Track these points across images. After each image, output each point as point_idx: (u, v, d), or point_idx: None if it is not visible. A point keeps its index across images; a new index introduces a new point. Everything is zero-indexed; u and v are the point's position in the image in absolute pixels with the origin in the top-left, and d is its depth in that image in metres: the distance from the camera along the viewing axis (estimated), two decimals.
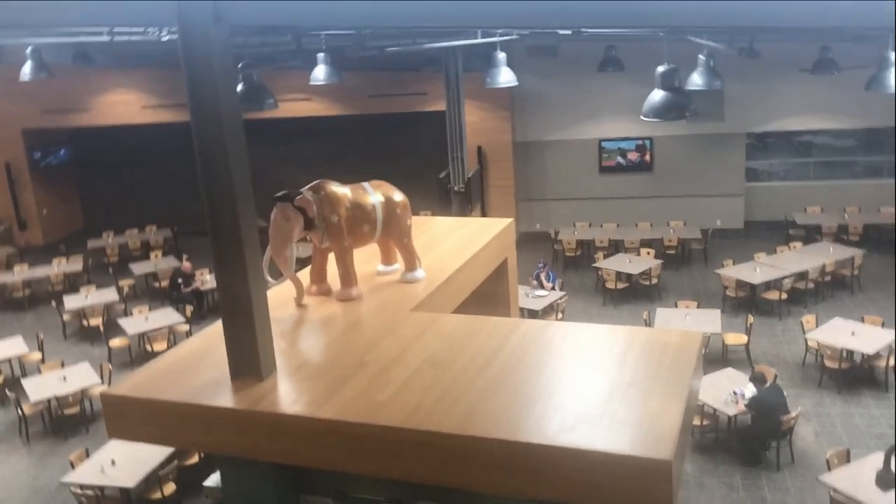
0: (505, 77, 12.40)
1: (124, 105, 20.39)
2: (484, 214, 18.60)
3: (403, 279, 7.01)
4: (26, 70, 14.90)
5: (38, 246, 21.27)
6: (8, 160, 20.92)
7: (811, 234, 17.91)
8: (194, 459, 10.17)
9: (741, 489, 9.90)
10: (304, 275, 6.96)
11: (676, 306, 14.08)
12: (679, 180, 19.42)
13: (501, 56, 12.25)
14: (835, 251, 15.97)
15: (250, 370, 5.24)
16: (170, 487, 9.71)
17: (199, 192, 4.99)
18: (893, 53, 10.81)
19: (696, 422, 10.56)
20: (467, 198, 17.26)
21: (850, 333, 12.07)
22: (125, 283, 17.42)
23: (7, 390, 12.46)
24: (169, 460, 9.74)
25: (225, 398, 5.10)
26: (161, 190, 21.41)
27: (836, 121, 18.85)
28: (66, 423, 12.14)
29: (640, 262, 16.40)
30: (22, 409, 11.90)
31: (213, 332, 5.88)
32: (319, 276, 6.83)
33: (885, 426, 10.88)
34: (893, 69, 10.96)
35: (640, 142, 19.44)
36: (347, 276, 6.65)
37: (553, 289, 15.03)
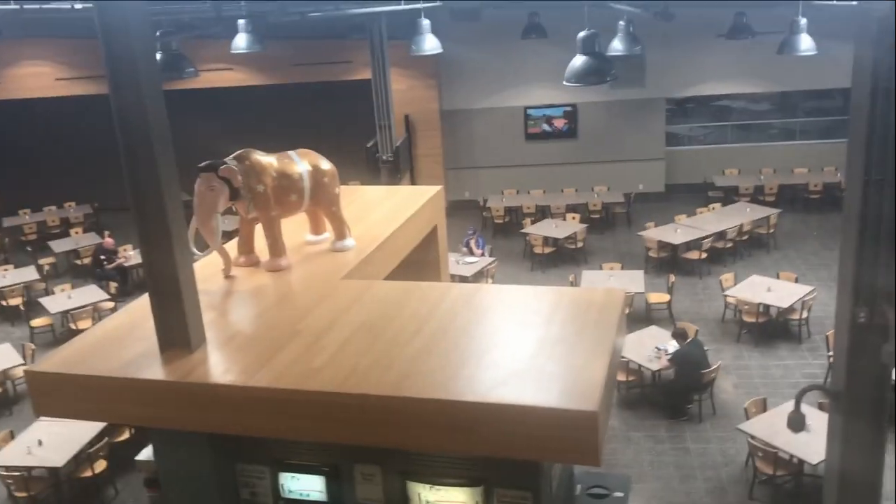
0: (430, 44, 12.38)
1: (37, 77, 19.62)
2: (413, 183, 18.61)
3: (333, 248, 7.03)
4: None
5: None
6: None
7: (729, 196, 18.51)
8: (125, 435, 10.04)
9: (666, 441, 10.30)
10: (232, 246, 6.91)
11: (601, 268, 14.43)
12: (602, 146, 19.79)
13: (426, 23, 12.22)
14: (752, 211, 16.56)
15: (180, 342, 5.21)
16: (101, 465, 9.58)
17: (119, 167, 4.91)
18: (803, 19, 11.21)
19: (622, 378, 10.91)
20: (396, 167, 17.25)
21: (766, 289, 12.60)
22: (45, 261, 16.89)
23: None
24: (99, 437, 9.59)
25: (155, 370, 5.07)
26: (80, 165, 20.73)
27: (752, 85, 19.44)
28: None
29: (566, 227, 16.72)
30: None
31: (140, 306, 5.81)
32: (247, 247, 6.79)
33: (798, 375, 11.44)
34: (804, 34, 11.39)
35: (564, 108, 19.69)
36: (276, 246, 6.63)
37: (483, 255, 15.21)
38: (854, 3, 4.56)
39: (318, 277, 6.49)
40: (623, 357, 10.67)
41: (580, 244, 16.50)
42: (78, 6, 11.41)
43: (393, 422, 4.65)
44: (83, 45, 18.40)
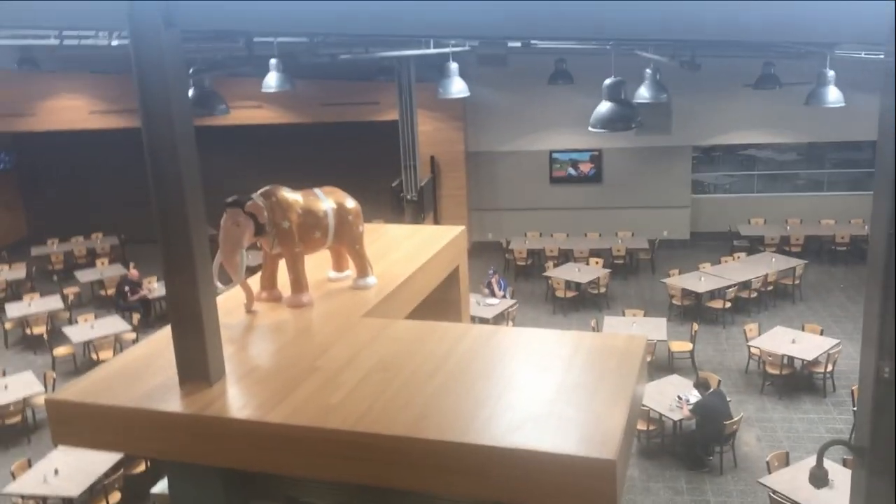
0: (457, 87, 12.52)
1: (71, 110, 20.05)
2: (436, 223, 18.70)
3: (355, 286, 7.05)
4: None
5: None
6: None
7: (754, 245, 18.38)
8: (141, 468, 10.03)
9: (685, 493, 10.11)
10: (255, 281, 6.96)
11: (624, 314, 14.33)
12: (627, 192, 19.79)
13: (454, 66, 12.37)
14: (777, 262, 16.42)
15: (199, 375, 5.23)
16: (115, 496, 9.56)
17: (147, 199, 4.98)
18: (831, 71, 11.23)
19: (643, 427, 10.77)
20: (420, 207, 17.35)
21: (790, 341, 12.43)
22: (70, 290, 17.08)
23: None
24: (115, 469, 9.59)
25: (173, 403, 5.08)
26: (109, 197, 21.07)
27: (779, 135, 19.41)
28: (7, 433, 11.86)
29: (589, 272, 16.66)
30: None
31: (162, 338, 5.85)
32: (270, 283, 6.83)
33: (822, 430, 11.22)
34: (832, 85, 11.40)
35: (590, 153, 19.76)
36: (298, 283, 6.67)
37: (504, 297, 15.18)
38: (880, 55, 4.56)
39: (338, 314, 6.51)
40: (644, 406, 10.54)
41: (603, 289, 16.41)
42: (115, 42, 11.71)
43: (407, 463, 4.61)
44: (117, 79, 18.83)
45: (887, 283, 4.77)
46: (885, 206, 4.62)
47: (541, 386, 5.13)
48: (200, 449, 5.02)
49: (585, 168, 19.88)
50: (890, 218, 4.59)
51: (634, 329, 13.12)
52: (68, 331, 14.42)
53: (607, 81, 7.68)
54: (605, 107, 7.66)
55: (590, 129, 8.32)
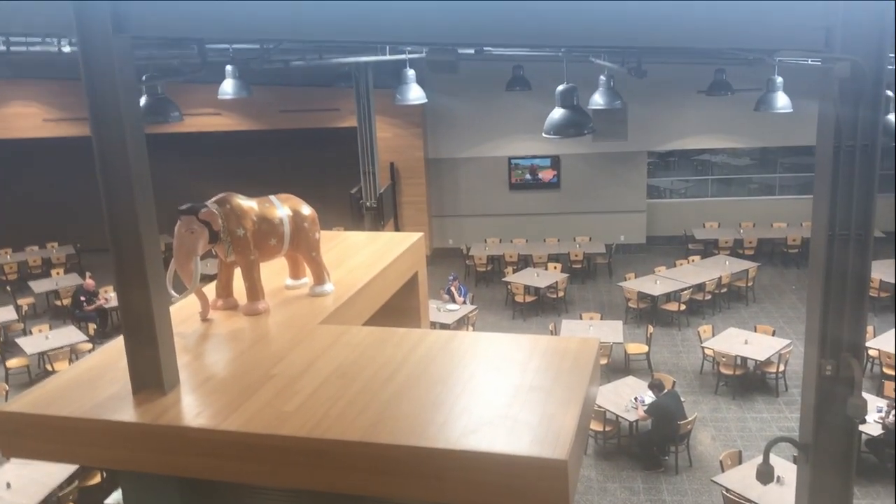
0: (415, 94, 12.58)
1: (23, 118, 19.71)
2: (397, 230, 18.72)
3: (312, 293, 7.06)
4: None
5: None
6: None
7: (709, 248, 18.71)
8: (96, 479, 9.89)
9: (642, 492, 10.26)
10: (211, 289, 6.93)
11: (581, 318, 14.49)
12: (585, 197, 20.02)
13: (411, 73, 12.44)
14: (730, 264, 16.73)
15: (153, 384, 5.20)
16: None
17: (101, 208, 4.95)
18: (779, 77, 11.51)
19: (599, 428, 10.90)
20: (379, 213, 17.36)
21: (743, 342, 12.68)
22: (24, 301, 16.78)
23: None
24: (69, 481, 9.45)
25: (127, 412, 5.05)
26: (63, 206, 20.72)
27: (732, 140, 19.80)
28: None
29: (548, 276, 16.81)
30: None
31: (115, 348, 5.81)
32: (225, 291, 6.81)
33: (775, 429, 11.46)
34: (780, 92, 11.68)
35: (547, 160, 19.95)
36: (254, 290, 6.66)
37: (464, 302, 15.25)
38: (818, 63, 4.73)
39: (295, 322, 6.51)
40: (600, 407, 10.68)
41: (561, 293, 16.58)
42: (66, 49, 11.56)
43: (363, 468, 4.64)
44: (71, 86, 18.52)
45: (827, 283, 4.92)
46: (824, 209, 4.77)
47: (496, 389, 5.20)
48: (155, 458, 5.00)
49: (548, 175, 20.05)
50: (828, 220, 4.74)
51: (592, 332, 13.28)
52: (22, 342, 14.16)
53: (559, 88, 7.80)
54: (558, 113, 7.78)
55: (544, 134, 8.41)
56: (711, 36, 3.94)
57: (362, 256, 8.04)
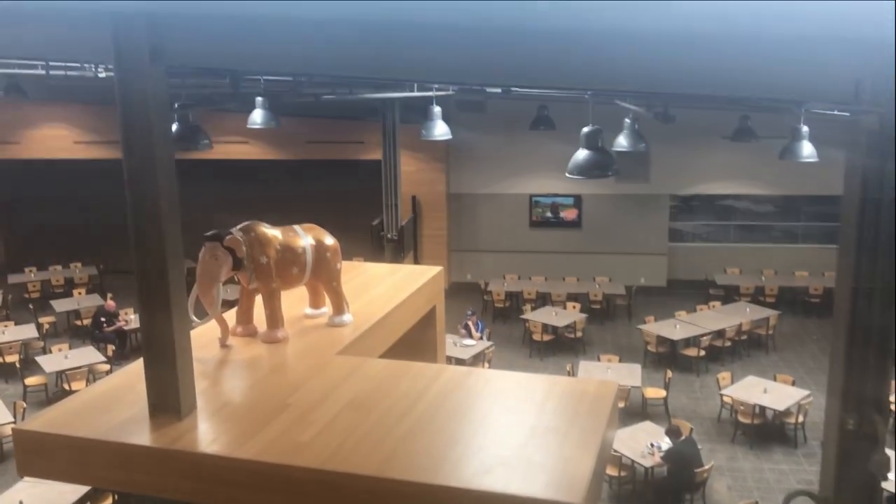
0: (440, 130, 12.66)
1: (55, 139, 20.05)
2: (416, 263, 18.74)
3: (331, 323, 7.08)
4: None
5: None
6: None
7: (730, 295, 18.56)
8: (108, 501, 9.88)
9: None
10: (231, 316, 6.97)
11: (599, 360, 14.39)
12: (606, 238, 19.98)
13: (437, 110, 12.54)
14: (751, 311, 16.58)
15: (170, 408, 5.22)
16: None
17: (126, 230, 5.02)
18: (805, 126, 11.48)
19: (614, 472, 10.76)
20: (400, 246, 17.41)
21: (762, 391, 12.52)
22: (46, 319, 16.93)
23: None
24: (81, 502, 9.44)
25: (142, 436, 5.07)
26: (89, 227, 20.96)
27: (756, 187, 19.74)
28: None
29: (566, 316, 16.74)
30: None
31: (134, 370, 5.84)
32: (246, 317, 6.85)
33: (793, 481, 11.26)
34: (805, 140, 11.65)
35: (569, 199, 19.97)
36: (274, 318, 6.69)
37: (481, 338, 15.21)
38: (846, 114, 4.73)
39: (312, 351, 6.53)
40: (616, 451, 10.55)
41: (579, 334, 16.49)
42: (101, 74, 11.80)
43: (374, 503, 4.62)
44: (103, 110, 18.87)
45: (851, 336, 4.87)
46: (849, 260, 4.74)
47: (512, 429, 5.17)
48: (169, 483, 5.00)
49: (569, 214, 20.05)
50: (853, 272, 4.71)
51: (609, 374, 13.17)
52: (42, 360, 14.26)
53: (584, 130, 7.82)
54: (582, 154, 7.79)
55: (567, 175, 8.42)
56: (740, 85, 3.96)
57: (382, 288, 8.07)
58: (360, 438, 4.98)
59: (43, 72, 12.08)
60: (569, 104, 15.26)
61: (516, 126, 17.95)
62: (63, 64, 12.15)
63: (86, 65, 12.01)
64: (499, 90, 10.93)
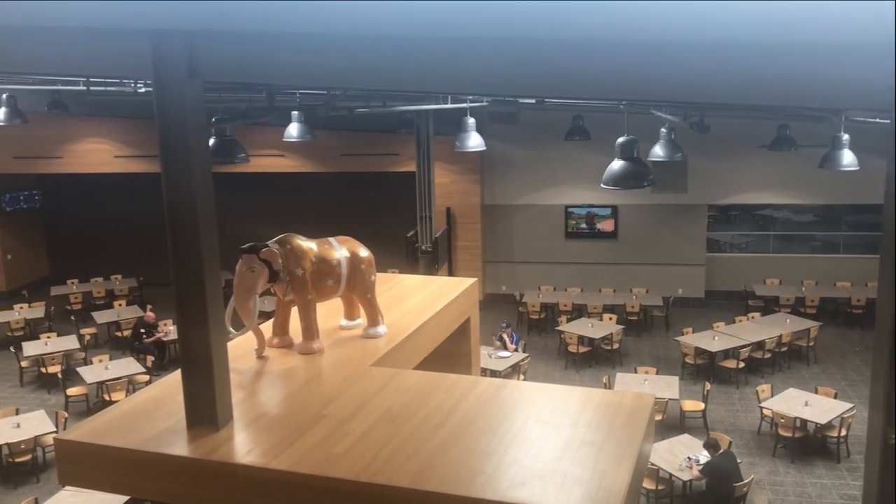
0: (474, 142, 12.71)
1: (96, 154, 20.45)
2: (451, 274, 18.76)
3: (365, 334, 7.11)
4: (0, 115, 14.99)
5: (1, 291, 21.00)
6: None
7: (769, 306, 18.27)
8: None
9: None
10: (268, 327, 7.04)
11: (636, 372, 14.24)
12: (643, 248, 19.81)
13: (471, 121, 12.58)
14: (792, 323, 16.31)
15: (207, 419, 5.28)
16: None
17: (165, 243, 5.10)
18: (846, 135, 11.31)
19: (651, 486, 10.63)
20: (434, 257, 17.45)
21: (803, 403, 12.29)
22: (87, 331, 17.22)
23: None
24: None
25: (180, 447, 5.12)
26: (129, 240, 21.33)
27: (795, 196, 19.44)
28: (16, 472, 11.87)
29: (603, 327, 16.61)
30: None
31: (172, 381, 5.92)
32: (282, 329, 6.91)
33: (836, 496, 11.03)
34: (846, 149, 11.47)
35: (605, 209, 19.86)
36: (309, 330, 6.74)
37: (516, 350, 15.15)
38: (887, 122, 4.64)
39: (347, 363, 6.56)
40: (653, 465, 10.42)
41: (616, 345, 16.34)
42: (141, 90, 12.03)
43: None
44: (142, 125, 19.23)
45: (894, 347, 4.76)
46: (891, 270, 4.64)
47: (547, 441, 5.13)
48: (206, 494, 5.05)
49: (605, 225, 19.92)
50: (895, 282, 4.61)
51: (646, 387, 13.03)
52: (83, 371, 14.50)
53: (620, 140, 7.80)
54: (617, 165, 7.77)
55: (602, 185, 8.40)
56: (779, 94, 3.92)
57: (416, 300, 8.09)
58: (395, 450, 4.99)
59: (84, 88, 12.35)
60: (604, 114, 15.23)
61: (551, 137, 17.94)
62: (103, 80, 12.41)
63: (125, 81, 12.24)
64: (532, 101, 10.94)
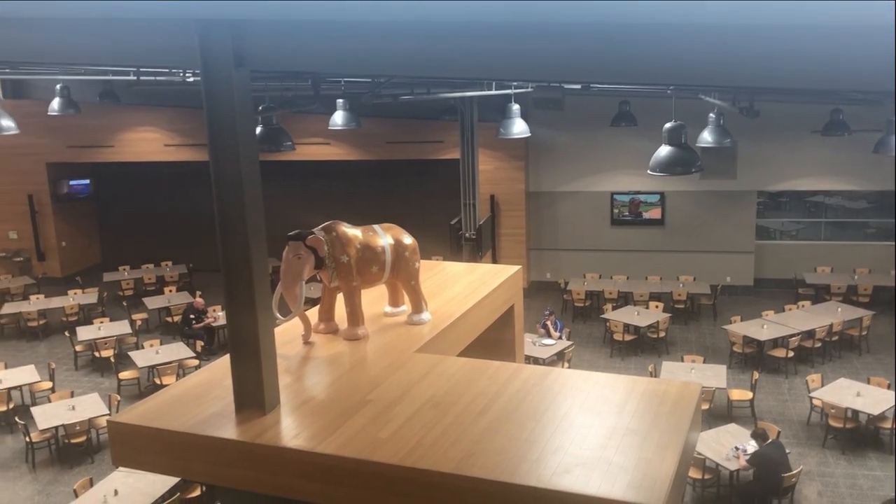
0: (518, 128, 12.66)
1: (147, 142, 20.83)
2: (495, 262, 18.74)
3: (410, 321, 7.15)
4: (54, 105, 15.37)
5: (56, 277, 21.56)
6: (31, 192, 21.34)
7: (820, 294, 17.90)
8: (196, 492, 10.21)
9: None
10: (314, 313, 7.12)
11: (683, 360, 14.08)
12: (690, 236, 19.53)
13: (515, 108, 12.53)
14: (843, 311, 15.96)
15: (254, 403, 5.37)
16: None
17: (214, 230, 5.18)
18: None
19: (698, 475, 10.53)
20: (478, 245, 17.44)
21: (855, 394, 12.03)
22: (138, 316, 17.61)
23: (16, 417, 12.57)
24: (171, 492, 9.79)
25: (228, 430, 5.22)
26: (179, 227, 21.72)
27: (848, 182, 18.97)
28: (72, 452, 12.22)
29: (649, 315, 16.45)
30: (30, 437, 12.01)
31: (221, 366, 6.03)
32: (327, 315, 6.98)
33: (888, 488, 10.79)
34: None
35: (652, 196, 19.61)
36: (354, 316, 6.80)
37: (560, 338, 15.09)
38: None
39: (392, 349, 6.61)
40: (700, 454, 10.32)
41: (662, 334, 16.18)
42: (189, 79, 12.21)
43: (453, 500, 4.64)
44: (192, 114, 19.53)
45: None
46: None
47: (591, 429, 5.12)
48: (252, 477, 5.14)
49: (653, 213, 19.67)
50: None
51: (693, 376, 12.88)
52: (134, 355, 14.84)
53: (667, 126, 7.70)
54: (664, 151, 7.67)
55: (649, 172, 8.31)
56: (830, 77, 3.82)
57: (460, 287, 8.10)
58: (439, 436, 5.02)
59: (134, 78, 12.57)
60: (651, 99, 15.05)
61: (596, 123, 17.77)
62: (153, 70, 12.61)
63: (174, 71, 12.43)
64: (578, 86, 10.84)
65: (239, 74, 4.86)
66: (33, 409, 12.45)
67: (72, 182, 22.06)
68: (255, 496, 5.22)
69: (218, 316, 16.75)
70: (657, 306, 17.25)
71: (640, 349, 16.16)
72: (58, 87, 15.36)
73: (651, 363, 14.20)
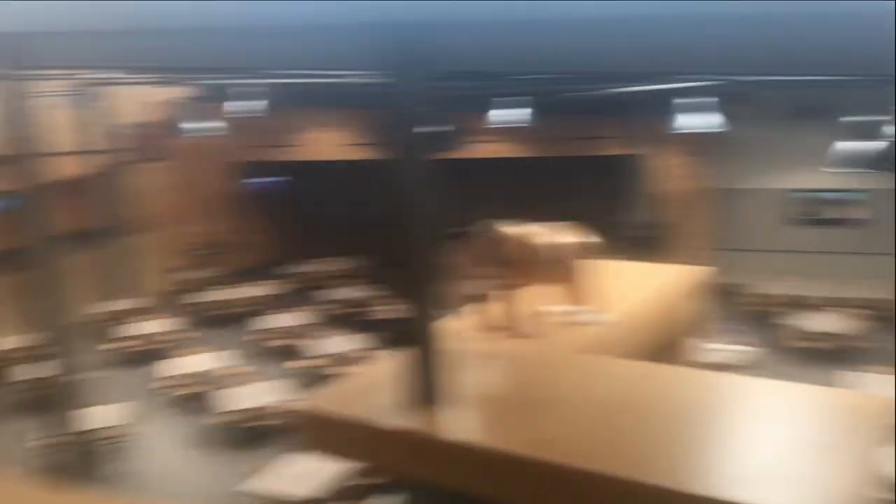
0: (701, 122, 12.18)
1: (322, 142, 21.84)
2: (672, 263, 18.10)
3: (581, 321, 7.08)
4: (250, 107, 16.50)
5: (248, 269, 23.05)
6: (227, 189, 22.98)
7: None
8: (378, 481, 10.52)
9: None
10: (485, 311, 7.20)
11: (880, 373, 12.98)
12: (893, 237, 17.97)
13: (697, 102, 12.06)
14: None
15: (427, 396, 5.50)
16: None
17: (393, 227, 5.36)
18: None
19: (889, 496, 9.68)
20: (655, 245, 16.95)
21: None
22: (320, 308, 18.49)
23: (208, 399, 13.56)
24: (350, 478, 10.15)
25: (404, 421, 5.39)
26: (359, 223, 22.55)
27: None
28: (258, 434, 13.01)
29: (843, 323, 15.31)
30: (219, 418, 12.94)
31: (398, 358, 6.23)
32: (499, 312, 7.04)
33: None
34: None
35: (850, 194, 18.23)
36: (525, 314, 6.82)
37: (741, 344, 14.36)
38: None
39: (563, 348, 6.57)
40: (884, 470, 9.49)
41: (856, 342, 15.02)
42: (369, 81, 12.67)
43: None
44: (370, 114, 20.20)
45: None
46: None
47: (771, 441, 4.88)
48: (420, 465, 5.27)
49: (851, 212, 18.30)
50: None
51: (890, 389, 11.86)
52: (317, 344, 15.60)
53: (870, 119, 7.13)
54: (863, 145, 7.12)
55: (849, 169, 7.73)
56: None
57: (635, 288, 7.93)
58: (610, 439, 4.95)
59: (315, 80, 13.20)
60: (848, 91, 13.97)
61: (785, 116, 16.73)
62: (332, 73, 13.19)
63: (353, 72, 12.95)
64: (763, 78, 10.26)
65: (416, 74, 4.98)
66: (224, 392, 13.39)
67: (261, 180, 23.54)
68: (426, 486, 5.35)
69: (396, 310, 17.26)
70: (853, 313, 16.01)
71: (831, 359, 15.08)
72: (254, 91, 16.43)
73: (842, 374, 13.22)
